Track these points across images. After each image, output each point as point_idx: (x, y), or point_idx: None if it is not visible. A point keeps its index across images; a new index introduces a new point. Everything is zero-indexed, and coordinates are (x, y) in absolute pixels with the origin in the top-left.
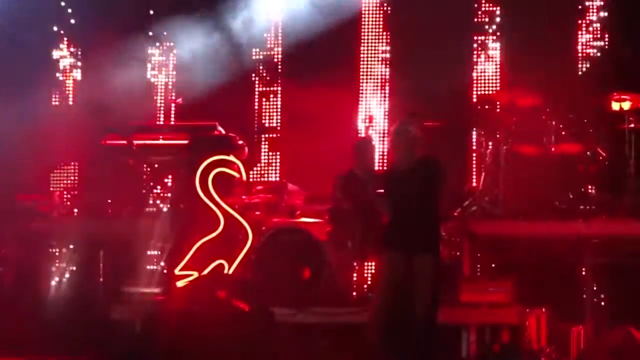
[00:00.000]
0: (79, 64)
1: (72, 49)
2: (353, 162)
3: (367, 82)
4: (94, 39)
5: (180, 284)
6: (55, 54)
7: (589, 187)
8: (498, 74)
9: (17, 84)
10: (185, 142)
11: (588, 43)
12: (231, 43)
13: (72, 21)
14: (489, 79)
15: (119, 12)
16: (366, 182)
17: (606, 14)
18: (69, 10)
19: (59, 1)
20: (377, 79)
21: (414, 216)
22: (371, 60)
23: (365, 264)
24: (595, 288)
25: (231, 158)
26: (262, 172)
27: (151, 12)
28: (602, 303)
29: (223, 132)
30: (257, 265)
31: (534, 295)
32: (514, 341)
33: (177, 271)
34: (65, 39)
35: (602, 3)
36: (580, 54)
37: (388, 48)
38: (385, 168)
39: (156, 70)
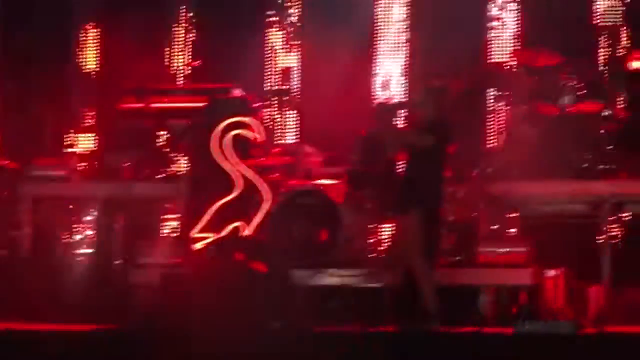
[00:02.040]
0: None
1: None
2: (373, 124)
3: (383, 43)
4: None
5: (197, 246)
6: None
7: (608, 146)
8: (516, 33)
9: (34, 47)
10: (202, 104)
11: (607, 0)
12: (247, 2)
13: None
14: (506, 39)
15: None
16: (386, 144)
17: None
18: None
19: None
20: (394, 39)
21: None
22: (387, 20)
23: (383, 226)
24: (613, 247)
25: (248, 120)
26: (279, 134)
27: None
28: (621, 262)
29: (240, 94)
30: (274, 228)
31: (552, 256)
32: (532, 302)
33: (194, 234)
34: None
35: None
36: (599, 12)
37: (404, 8)
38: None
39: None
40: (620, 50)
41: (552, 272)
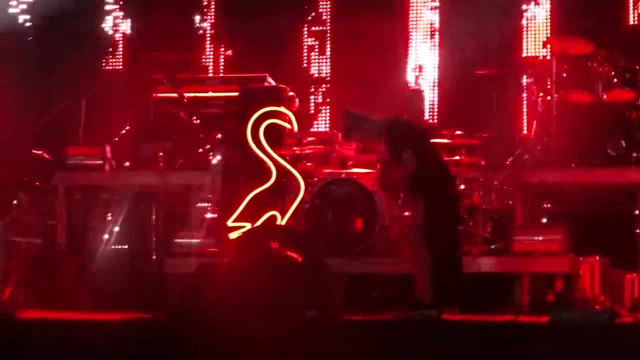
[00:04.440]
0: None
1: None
2: (403, 112)
3: (416, 31)
4: None
5: (232, 235)
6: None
7: None
8: (549, 21)
9: (68, 37)
10: (236, 94)
11: None
12: None
13: None
14: (539, 26)
15: None
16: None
17: None
18: None
19: None
20: (427, 27)
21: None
22: (421, 8)
23: None
24: None
25: (282, 109)
26: (313, 122)
27: None
28: None
29: (273, 83)
30: (309, 216)
31: (587, 244)
32: (568, 290)
33: (229, 223)
34: None
35: None
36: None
37: None
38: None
39: (206, 22)
40: None
41: (588, 260)
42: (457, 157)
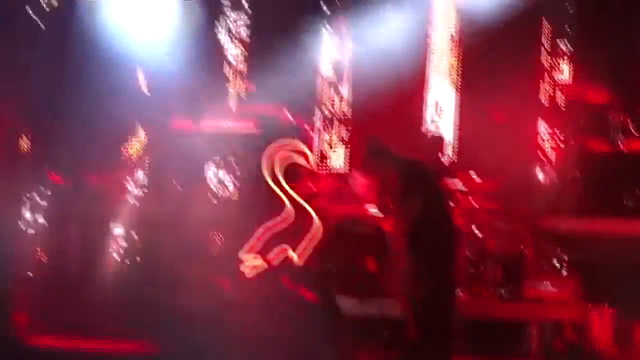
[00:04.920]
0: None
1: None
2: (422, 155)
3: (435, 73)
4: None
5: (245, 270)
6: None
7: None
8: (567, 68)
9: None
10: (253, 127)
11: None
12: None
13: None
14: (557, 74)
15: None
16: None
17: None
18: None
19: None
20: (446, 69)
21: None
22: (440, 51)
23: None
24: None
25: (299, 145)
26: (330, 160)
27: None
28: None
29: (291, 118)
30: (322, 254)
31: (598, 293)
32: (577, 338)
33: (242, 257)
34: None
35: None
36: None
37: (455, 39)
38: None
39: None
40: None
41: (598, 309)
42: (472, 201)
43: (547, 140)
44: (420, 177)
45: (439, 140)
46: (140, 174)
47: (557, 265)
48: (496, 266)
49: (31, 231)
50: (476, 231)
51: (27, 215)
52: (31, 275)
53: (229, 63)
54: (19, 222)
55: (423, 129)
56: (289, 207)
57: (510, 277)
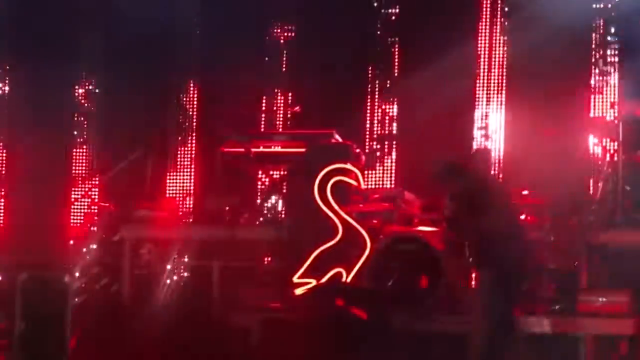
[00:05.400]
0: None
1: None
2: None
3: (483, 89)
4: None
5: (298, 292)
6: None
7: None
8: (617, 82)
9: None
10: (303, 150)
11: None
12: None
13: None
14: (608, 88)
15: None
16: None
17: None
18: None
19: None
20: (495, 86)
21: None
22: (489, 66)
23: None
24: None
25: (348, 166)
26: (379, 180)
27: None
28: None
29: (340, 140)
30: (374, 274)
31: None
32: (632, 352)
33: (295, 279)
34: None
35: None
36: None
37: (506, 54)
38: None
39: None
40: None
41: None
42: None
43: (597, 154)
44: (493, 193)
45: (487, 154)
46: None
47: (611, 279)
48: (549, 282)
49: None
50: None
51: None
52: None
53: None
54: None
55: (472, 146)
56: (340, 228)
57: (564, 293)
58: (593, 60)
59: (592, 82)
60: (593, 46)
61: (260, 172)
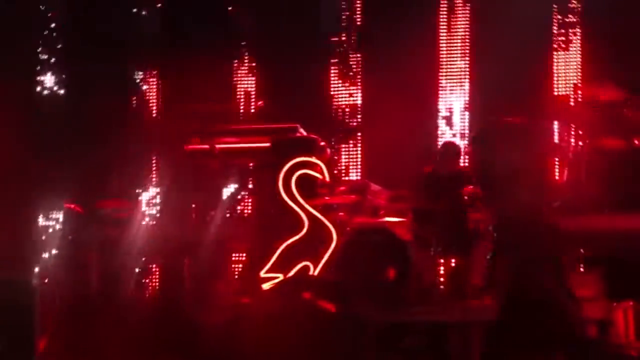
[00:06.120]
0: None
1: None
2: (437, 162)
3: (446, 78)
4: (180, 47)
5: (265, 286)
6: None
7: None
8: (579, 67)
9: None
10: (267, 144)
11: None
12: (309, 45)
13: None
14: (570, 73)
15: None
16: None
17: None
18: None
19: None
20: (458, 75)
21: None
22: (451, 55)
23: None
24: None
25: (314, 159)
26: (344, 172)
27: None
28: None
29: (305, 133)
30: (342, 266)
31: (621, 289)
32: (601, 336)
33: (262, 274)
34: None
35: None
36: None
37: (467, 43)
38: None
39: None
40: None
41: (621, 306)
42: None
43: (562, 140)
44: (523, 169)
45: (453, 147)
46: (156, 197)
47: (578, 264)
48: None
49: (51, 258)
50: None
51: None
52: (52, 301)
53: (241, 80)
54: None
55: (437, 136)
56: (306, 221)
57: None
58: (556, 41)
59: (555, 66)
60: (555, 29)
61: (225, 168)
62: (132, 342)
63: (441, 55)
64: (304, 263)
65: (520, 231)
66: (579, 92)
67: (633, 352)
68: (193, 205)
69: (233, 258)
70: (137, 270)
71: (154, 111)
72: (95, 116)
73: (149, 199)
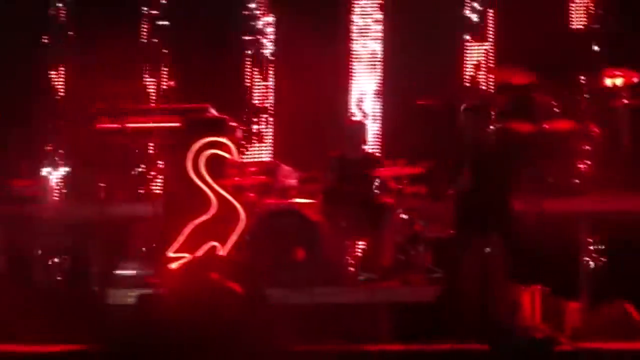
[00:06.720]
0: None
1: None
2: (343, 144)
3: (358, 61)
4: (89, 25)
5: (173, 266)
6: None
7: (583, 163)
8: (490, 52)
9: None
10: (178, 124)
11: (579, 19)
12: (222, 24)
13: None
14: (482, 57)
15: None
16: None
17: None
18: None
19: None
20: (369, 57)
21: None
22: (363, 38)
23: (358, 243)
24: (590, 264)
25: (223, 140)
26: (255, 153)
27: None
28: (598, 279)
29: (215, 113)
30: (250, 247)
31: (528, 272)
32: (508, 318)
33: (170, 253)
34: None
35: None
36: (571, 30)
37: (380, 26)
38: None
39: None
40: (594, 69)
41: (528, 289)
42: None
43: None
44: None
45: (360, 127)
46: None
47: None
48: (426, 250)
49: None
50: (404, 216)
51: None
52: None
53: (151, 60)
54: None
55: (348, 118)
56: (215, 202)
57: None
58: (467, 26)
59: (466, 51)
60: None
61: (135, 148)
62: (40, 323)
63: (353, 38)
64: (212, 243)
65: (483, 207)
66: (491, 76)
67: (539, 334)
68: (102, 185)
69: (142, 238)
70: (46, 251)
71: (63, 90)
72: (3, 95)
73: (58, 178)
